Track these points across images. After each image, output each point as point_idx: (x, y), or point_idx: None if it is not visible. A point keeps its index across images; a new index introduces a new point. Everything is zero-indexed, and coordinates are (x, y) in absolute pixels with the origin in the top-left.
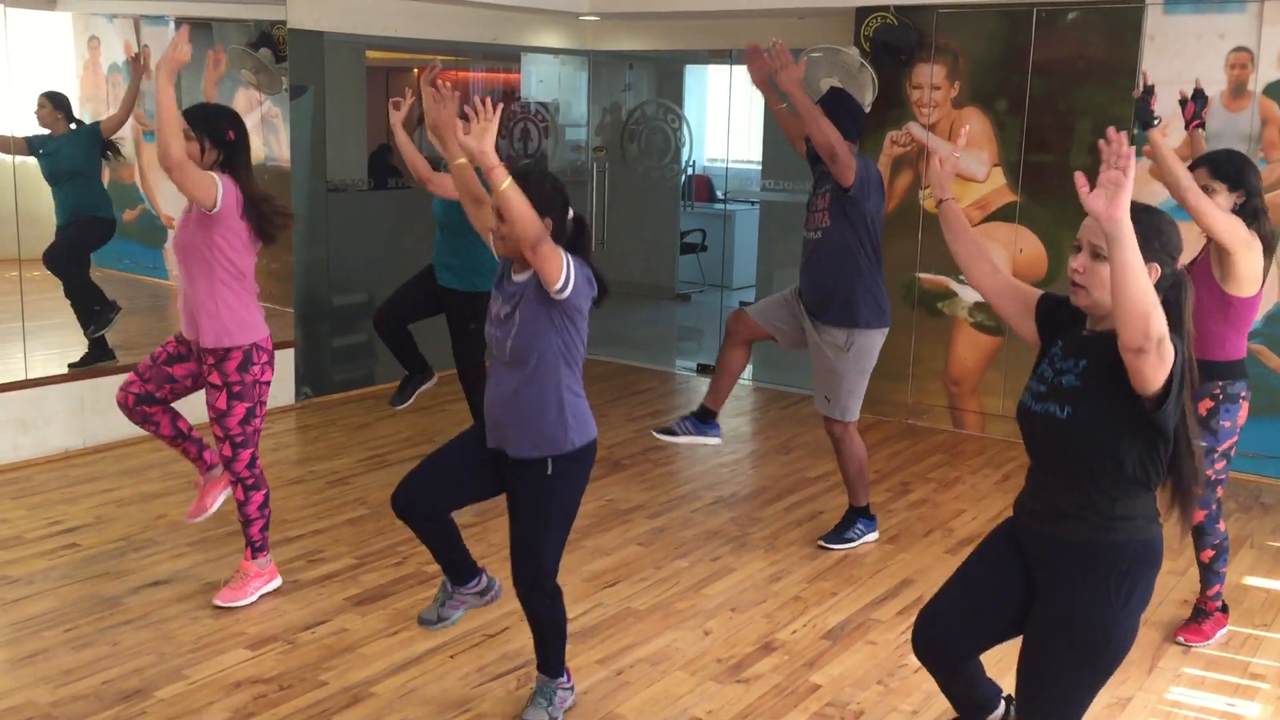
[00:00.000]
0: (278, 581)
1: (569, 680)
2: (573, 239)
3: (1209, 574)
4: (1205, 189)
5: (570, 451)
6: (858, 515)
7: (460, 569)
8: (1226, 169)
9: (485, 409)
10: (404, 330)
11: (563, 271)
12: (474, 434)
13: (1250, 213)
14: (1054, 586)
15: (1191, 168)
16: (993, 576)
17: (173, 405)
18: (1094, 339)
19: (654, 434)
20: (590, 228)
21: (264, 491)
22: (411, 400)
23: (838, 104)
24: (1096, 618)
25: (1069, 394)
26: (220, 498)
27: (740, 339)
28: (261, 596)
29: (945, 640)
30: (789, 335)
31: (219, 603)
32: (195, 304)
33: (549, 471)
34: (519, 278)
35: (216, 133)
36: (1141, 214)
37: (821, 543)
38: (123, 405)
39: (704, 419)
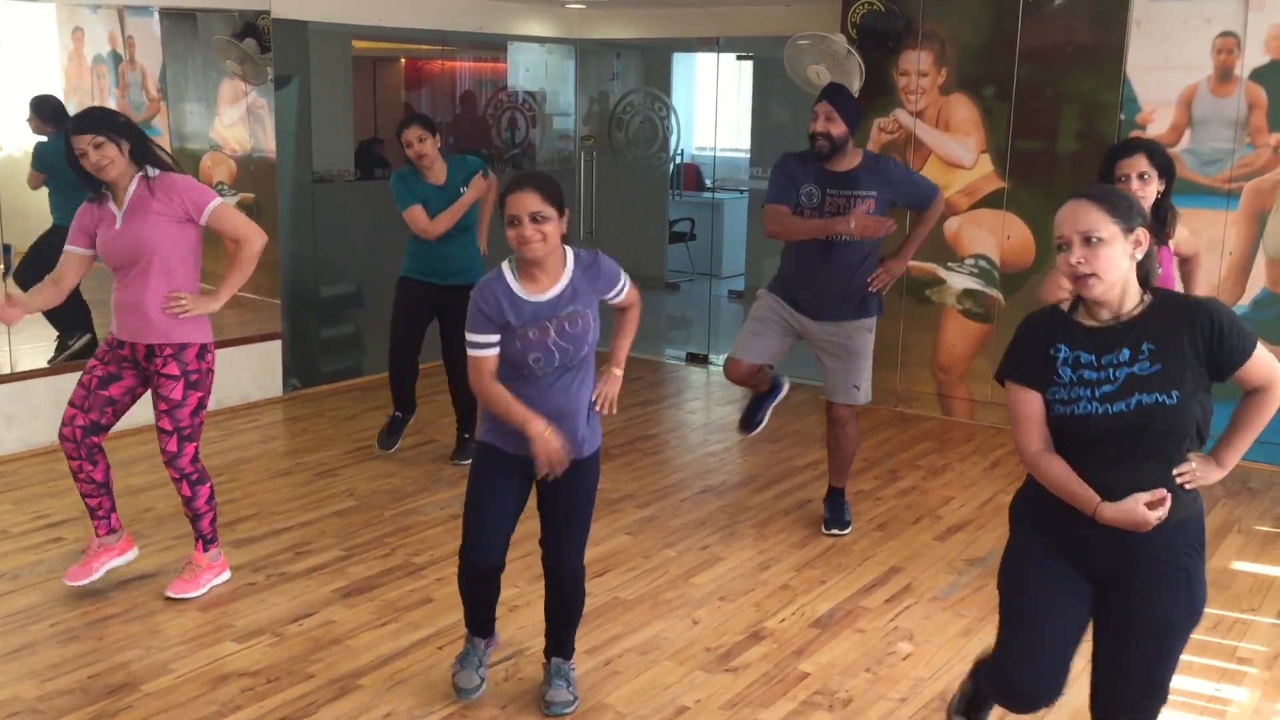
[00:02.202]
0: (227, 574)
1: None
2: None
3: None
4: (1143, 175)
5: (600, 442)
6: (842, 495)
7: (491, 623)
8: (1163, 160)
9: (548, 428)
10: (416, 365)
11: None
12: (490, 460)
13: (1168, 208)
14: (1155, 567)
15: (1125, 152)
16: (1072, 609)
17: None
18: (1136, 322)
19: (741, 434)
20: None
21: (209, 484)
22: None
23: (847, 100)
24: (1199, 580)
25: (1158, 380)
26: (108, 565)
27: (734, 380)
28: (212, 588)
29: (1050, 687)
30: (780, 354)
31: (170, 594)
32: (153, 302)
33: (596, 456)
34: (549, 294)
35: (115, 125)
36: (1101, 190)
37: (834, 531)
38: (70, 440)
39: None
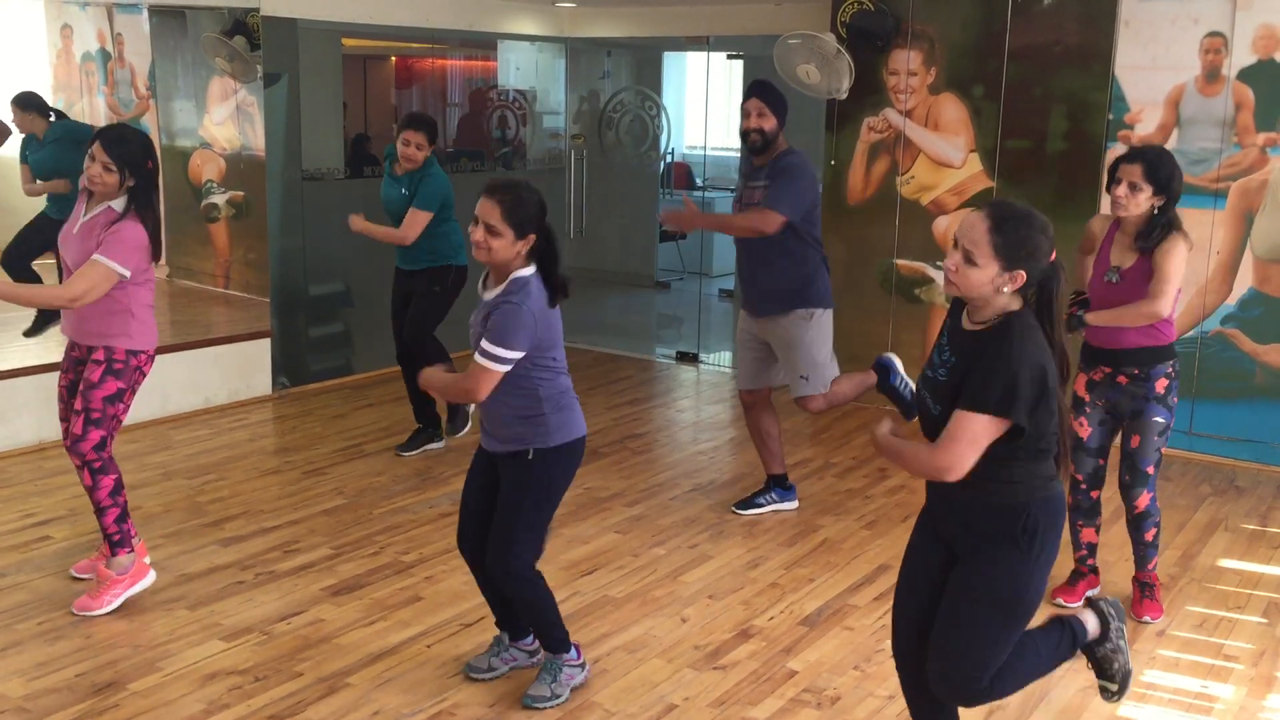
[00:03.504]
0: (149, 579)
1: (578, 657)
2: (541, 252)
3: (1151, 550)
4: (1133, 185)
5: (552, 446)
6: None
7: (518, 624)
8: (1159, 175)
9: (481, 412)
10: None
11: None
12: (478, 452)
13: (1166, 222)
14: (971, 547)
15: (1128, 159)
16: (923, 574)
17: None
18: (966, 338)
19: (734, 510)
20: (556, 232)
21: (114, 477)
22: (418, 453)
23: (774, 95)
24: (1011, 572)
25: (939, 389)
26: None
27: (756, 407)
28: (125, 598)
29: (908, 649)
30: (770, 372)
31: (75, 610)
32: (89, 311)
33: (530, 458)
34: (484, 296)
35: (138, 165)
36: (1009, 220)
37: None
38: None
39: (781, 485)
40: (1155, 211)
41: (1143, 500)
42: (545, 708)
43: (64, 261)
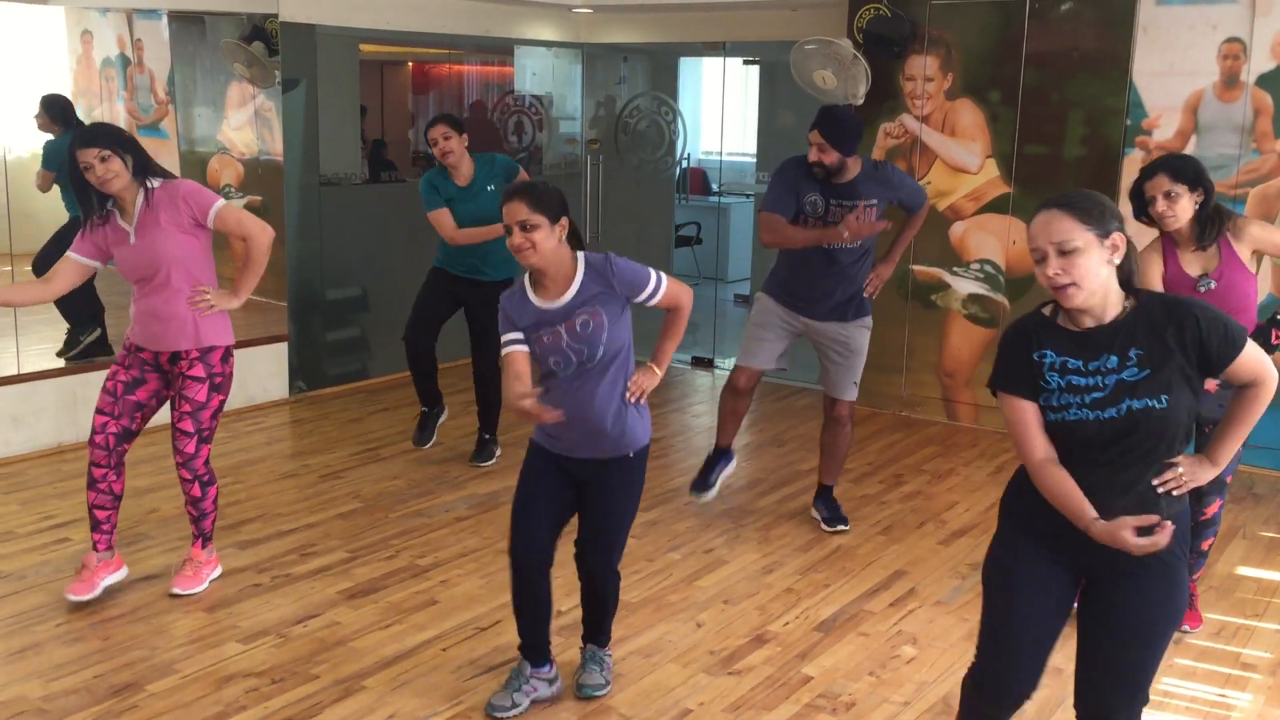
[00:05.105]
0: (220, 569)
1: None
2: (571, 238)
3: (1201, 560)
4: (1168, 194)
5: (644, 444)
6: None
7: (543, 648)
8: (1186, 172)
9: (569, 426)
10: (433, 352)
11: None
12: (539, 458)
13: (1215, 212)
14: (1141, 563)
15: (1148, 174)
16: (1042, 602)
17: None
18: (1121, 327)
19: (692, 494)
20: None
21: (216, 485)
22: (434, 442)
23: (836, 128)
24: (1182, 581)
25: (1147, 385)
26: (108, 581)
27: (750, 390)
28: (210, 583)
29: (1025, 683)
30: (782, 356)
31: (176, 590)
32: (177, 311)
33: (630, 458)
34: (559, 301)
35: (119, 141)
36: (1070, 196)
37: (840, 528)
38: (102, 448)
39: (725, 455)
40: (1199, 208)
41: (1213, 507)
42: (602, 694)
43: (132, 275)
